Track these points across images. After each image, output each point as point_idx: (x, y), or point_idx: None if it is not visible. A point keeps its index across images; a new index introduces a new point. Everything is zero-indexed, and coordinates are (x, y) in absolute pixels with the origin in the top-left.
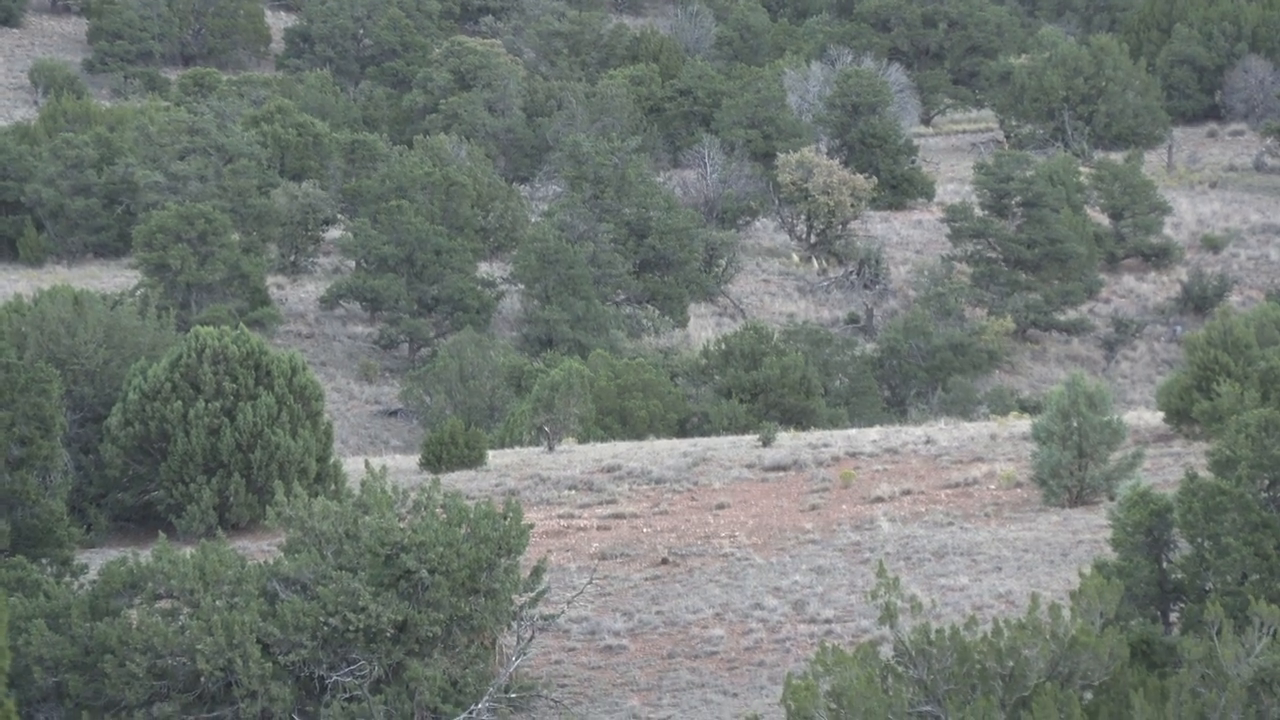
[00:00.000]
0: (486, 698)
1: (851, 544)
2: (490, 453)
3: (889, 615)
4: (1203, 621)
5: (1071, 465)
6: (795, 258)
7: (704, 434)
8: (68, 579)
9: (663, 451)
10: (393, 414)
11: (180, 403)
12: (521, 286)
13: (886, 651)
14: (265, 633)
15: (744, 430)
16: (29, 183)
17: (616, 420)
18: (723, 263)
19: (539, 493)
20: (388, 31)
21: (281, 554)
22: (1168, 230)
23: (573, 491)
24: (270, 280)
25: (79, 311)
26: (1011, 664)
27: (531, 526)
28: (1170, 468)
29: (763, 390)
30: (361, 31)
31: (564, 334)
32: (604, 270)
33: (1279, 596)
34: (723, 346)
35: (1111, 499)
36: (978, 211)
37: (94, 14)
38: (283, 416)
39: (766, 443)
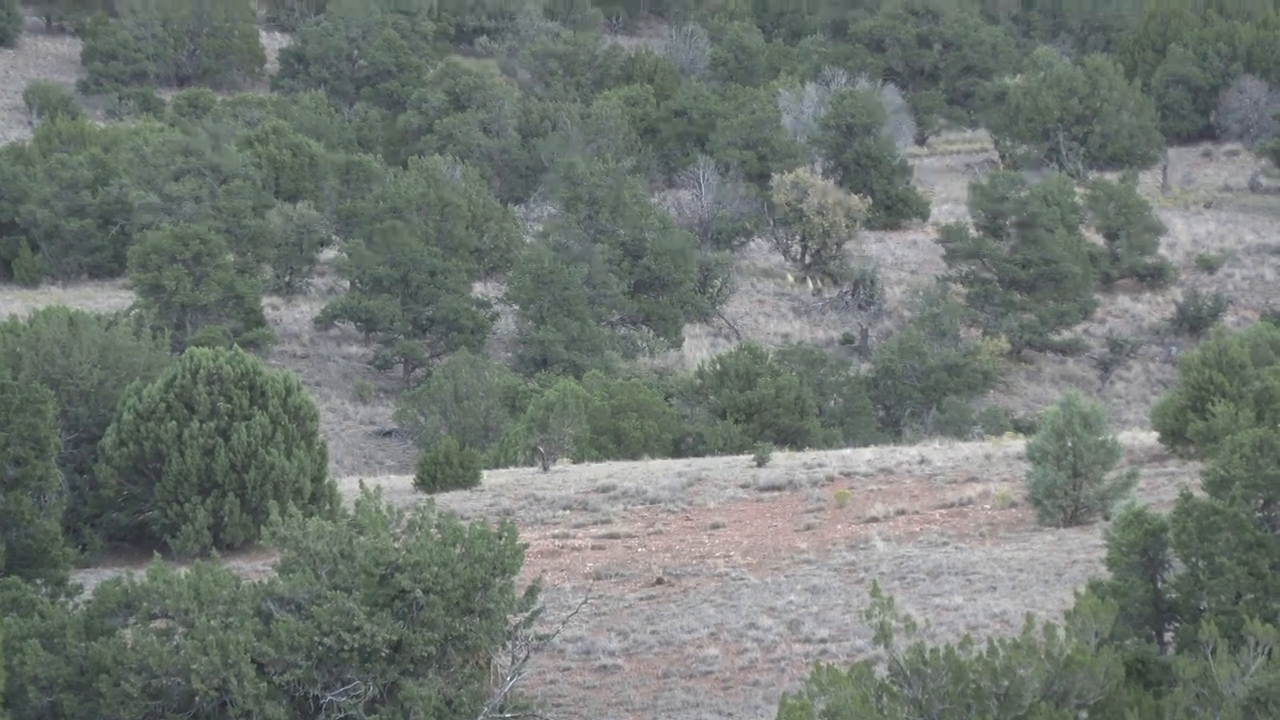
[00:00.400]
0: (481, 717)
1: (846, 564)
2: (485, 473)
3: (884, 635)
4: (1198, 641)
5: (1066, 485)
6: (790, 278)
7: (699, 454)
8: (62, 599)
9: (657, 472)
10: (387, 434)
11: (175, 423)
12: (516, 307)
13: (881, 671)
14: (260, 652)
15: (739, 451)
16: (24, 204)
17: (611, 440)
18: (717, 283)
19: (534, 513)
20: (382, 52)
21: (276, 574)
22: (1163, 250)
23: (567, 511)
24: (265, 301)
25: (74, 332)
26: (1006, 684)
27: (526, 546)
28: (1165, 488)
29: (757, 410)
30: (356, 52)
31: (559, 354)
32: (599, 291)
33: (1274, 616)
34: (717, 367)
35: (1106, 519)
36: (972, 232)
37: (88, 35)
38: (277, 437)
39: (761, 463)
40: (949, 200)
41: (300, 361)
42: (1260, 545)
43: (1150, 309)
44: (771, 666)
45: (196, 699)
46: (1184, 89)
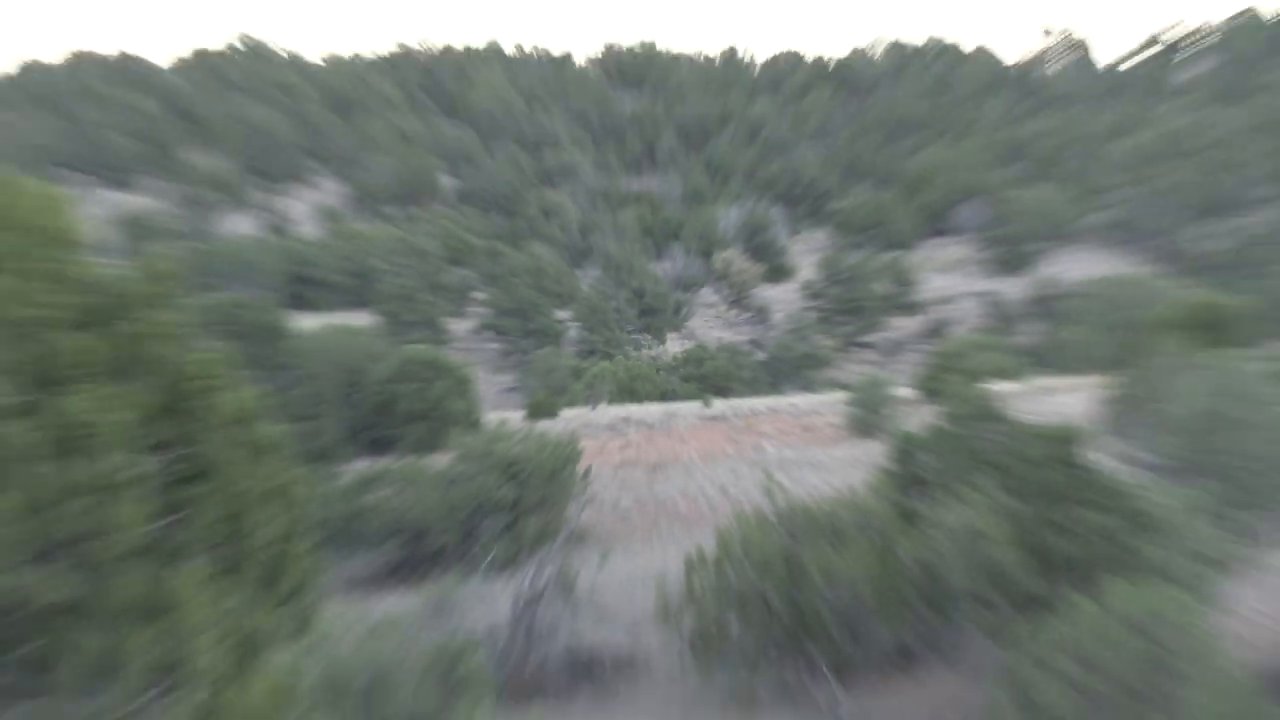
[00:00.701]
0: (559, 539)
1: (752, 459)
2: (562, 411)
3: (771, 495)
4: (935, 499)
5: (868, 417)
6: (723, 308)
7: (674, 400)
8: (339, 478)
9: (653, 410)
10: (511, 391)
11: (401, 384)
12: (578, 324)
13: (769, 514)
14: (442, 506)
15: (695, 399)
16: (319, 268)
17: (627, 394)
18: (684, 311)
19: (588, 431)
20: (504, 186)
21: (452, 463)
22: (922, 293)
23: (606, 430)
24: (446, 320)
25: (347, 337)
26: (835, 522)
27: (583, 449)
28: (919, 418)
29: (705, 377)
30: (491, 185)
31: (600, 348)
32: (621, 315)
33: (975, 485)
34: (684, 355)
35: (889, 434)
36: (820, 285)
37: (349, 175)
38: (452, 391)
39: (707, 405)
40: (808, 267)
41: (464, 352)
42: (968, 448)
43: (915, 325)
44: (712, 513)
45: (412, 529)
46: (939, 204)
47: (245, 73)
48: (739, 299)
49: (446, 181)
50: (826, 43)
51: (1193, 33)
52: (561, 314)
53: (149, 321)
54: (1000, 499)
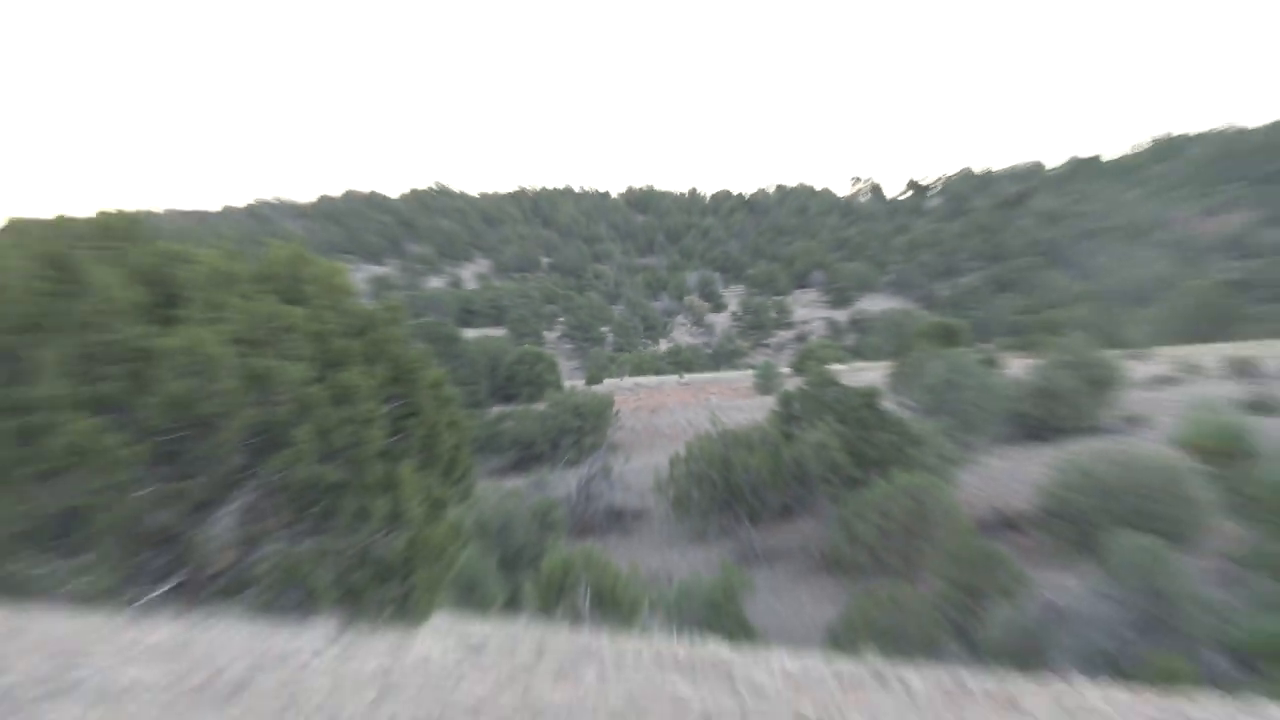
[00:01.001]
0: (603, 448)
1: (705, 406)
2: (605, 380)
3: (715, 425)
4: (802, 427)
5: (766, 384)
6: (689, 326)
7: (664, 375)
8: (486, 415)
9: (652, 380)
10: (577, 369)
11: (519, 366)
12: (613, 334)
13: (714, 434)
14: (541, 430)
15: (674, 374)
16: (476, 304)
17: (639, 371)
18: (668, 327)
19: (618, 391)
20: (574, 263)
21: (547, 408)
22: (793, 318)
23: (627, 390)
24: (543, 332)
25: (491, 341)
26: (748, 439)
27: (615, 400)
28: (794, 384)
29: (680, 362)
30: (567, 262)
31: (625, 347)
32: (635, 330)
33: (822, 419)
34: (668, 350)
35: (777, 393)
36: (740, 313)
37: (493, 256)
38: (546, 370)
39: (681, 378)
40: (734, 304)
41: (553, 349)
42: (814, 401)
43: (789, 336)
44: (682, 434)
45: (523, 442)
46: (804, 271)
47: (438, 200)
48: (698, 321)
49: (544, 260)
50: (743, 184)
51: (935, 180)
52: (604, 329)
53: (386, 333)
54: (836, 427)
